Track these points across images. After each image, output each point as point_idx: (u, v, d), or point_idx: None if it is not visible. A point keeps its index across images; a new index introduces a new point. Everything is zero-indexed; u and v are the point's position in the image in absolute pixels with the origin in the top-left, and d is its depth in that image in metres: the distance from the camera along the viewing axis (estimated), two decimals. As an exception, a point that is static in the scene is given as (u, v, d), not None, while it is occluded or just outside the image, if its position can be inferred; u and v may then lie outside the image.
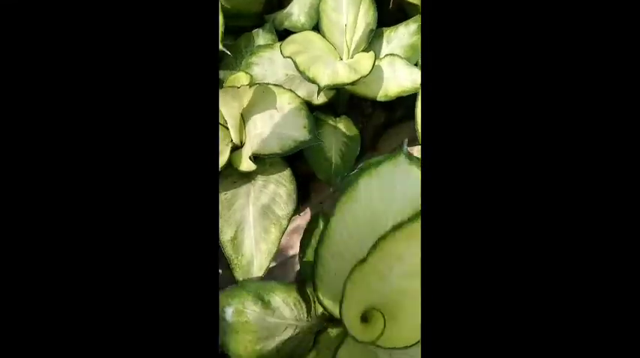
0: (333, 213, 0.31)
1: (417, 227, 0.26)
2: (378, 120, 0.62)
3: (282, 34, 0.54)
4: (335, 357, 0.30)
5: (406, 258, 0.28)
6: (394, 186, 0.31)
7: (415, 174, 0.31)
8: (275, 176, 0.47)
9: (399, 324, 0.30)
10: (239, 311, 0.34)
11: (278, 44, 0.49)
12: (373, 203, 0.31)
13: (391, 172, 0.31)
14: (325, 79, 0.40)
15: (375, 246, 0.27)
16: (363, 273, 0.28)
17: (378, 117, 0.62)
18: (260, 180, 0.48)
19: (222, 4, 0.53)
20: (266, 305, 0.34)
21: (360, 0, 0.45)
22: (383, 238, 0.27)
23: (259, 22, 0.58)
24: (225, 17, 0.49)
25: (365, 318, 0.32)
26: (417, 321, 0.27)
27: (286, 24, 0.54)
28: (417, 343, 0.29)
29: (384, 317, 0.30)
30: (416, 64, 0.49)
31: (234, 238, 0.46)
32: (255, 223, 0.46)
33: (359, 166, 0.33)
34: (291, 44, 0.43)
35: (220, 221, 0.46)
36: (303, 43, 0.44)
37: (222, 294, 0.35)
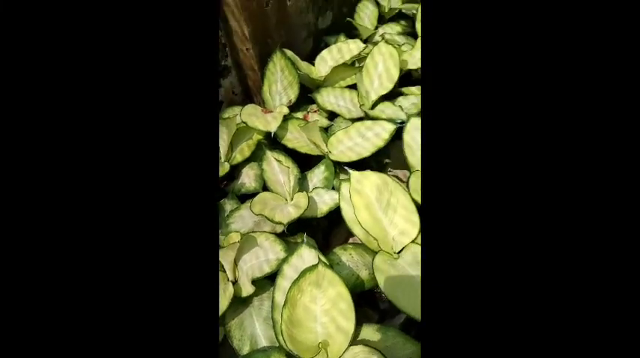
0: (274, 289, 0.59)
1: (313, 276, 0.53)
2: (324, 225, 0.87)
3: (241, 197, 0.81)
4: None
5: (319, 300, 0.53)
6: (303, 266, 0.59)
7: (314, 255, 0.59)
8: (265, 294, 0.67)
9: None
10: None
11: (242, 205, 0.75)
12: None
13: (299, 261, 0.60)
14: (285, 220, 0.66)
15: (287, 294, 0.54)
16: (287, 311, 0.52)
17: (323, 224, 0.88)
18: (256, 302, 0.66)
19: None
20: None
21: (289, 167, 0.75)
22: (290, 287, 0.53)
23: (223, 192, 0.84)
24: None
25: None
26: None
27: (243, 191, 0.81)
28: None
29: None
30: (333, 188, 0.78)
31: (250, 348, 0.61)
32: (263, 333, 0.62)
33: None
34: (256, 205, 0.69)
35: (235, 341, 0.61)
36: (262, 201, 0.71)
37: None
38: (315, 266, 0.53)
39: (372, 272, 0.67)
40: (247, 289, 0.64)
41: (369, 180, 0.66)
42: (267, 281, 0.67)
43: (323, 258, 0.57)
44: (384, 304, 0.75)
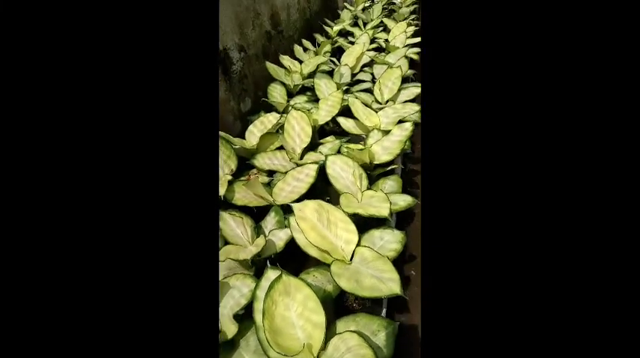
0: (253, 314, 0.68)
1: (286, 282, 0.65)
2: (293, 267, 0.98)
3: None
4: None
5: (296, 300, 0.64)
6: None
7: (277, 272, 0.71)
8: (249, 333, 0.74)
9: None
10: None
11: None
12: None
13: (267, 282, 0.70)
14: (248, 256, 0.78)
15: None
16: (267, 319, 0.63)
17: (293, 266, 0.99)
18: (242, 342, 0.74)
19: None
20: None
21: (242, 218, 0.89)
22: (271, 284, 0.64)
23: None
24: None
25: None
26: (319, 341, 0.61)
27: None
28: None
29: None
30: (286, 226, 0.92)
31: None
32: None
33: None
34: (222, 255, 0.80)
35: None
36: (226, 251, 0.82)
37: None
38: (279, 276, 0.64)
39: (334, 283, 0.80)
40: (231, 329, 0.72)
41: (308, 207, 0.83)
42: (249, 323, 0.75)
43: (285, 271, 0.69)
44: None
